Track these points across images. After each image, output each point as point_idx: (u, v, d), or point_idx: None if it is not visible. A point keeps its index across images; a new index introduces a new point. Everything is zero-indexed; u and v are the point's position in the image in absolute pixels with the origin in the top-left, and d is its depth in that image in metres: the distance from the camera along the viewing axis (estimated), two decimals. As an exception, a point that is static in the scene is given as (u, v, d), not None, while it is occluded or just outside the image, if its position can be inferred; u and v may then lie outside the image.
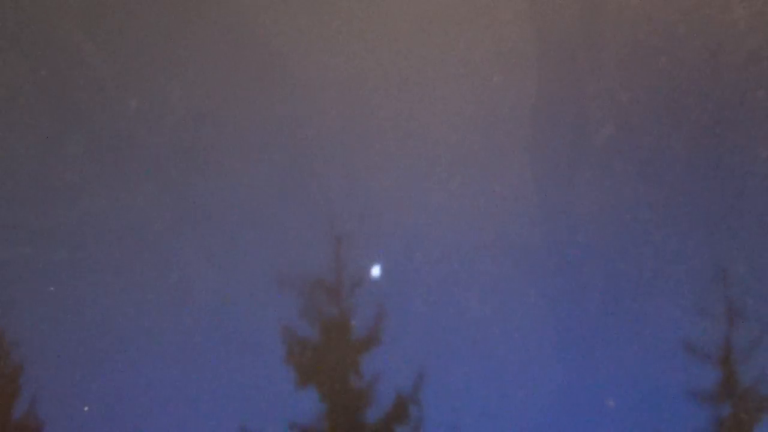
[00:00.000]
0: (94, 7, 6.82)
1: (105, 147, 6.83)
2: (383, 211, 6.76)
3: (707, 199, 6.52)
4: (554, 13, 6.78)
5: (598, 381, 6.62)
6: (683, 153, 6.64)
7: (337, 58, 6.84)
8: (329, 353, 6.41)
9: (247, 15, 6.90)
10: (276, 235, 6.68)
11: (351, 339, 6.42)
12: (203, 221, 6.84)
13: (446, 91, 6.85)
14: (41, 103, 6.81)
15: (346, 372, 6.39)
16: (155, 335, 6.66)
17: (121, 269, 6.71)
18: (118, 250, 6.75)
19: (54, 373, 6.45)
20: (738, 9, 6.43)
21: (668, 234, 6.64)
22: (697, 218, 6.57)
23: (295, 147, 6.87)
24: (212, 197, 6.85)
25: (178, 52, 6.84)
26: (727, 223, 6.42)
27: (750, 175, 6.50)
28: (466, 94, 6.84)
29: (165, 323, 6.68)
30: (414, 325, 6.64)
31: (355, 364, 6.40)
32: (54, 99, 6.81)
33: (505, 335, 6.69)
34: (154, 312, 6.69)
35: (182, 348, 6.69)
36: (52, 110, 6.82)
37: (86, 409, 6.42)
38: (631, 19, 6.64)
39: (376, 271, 6.55)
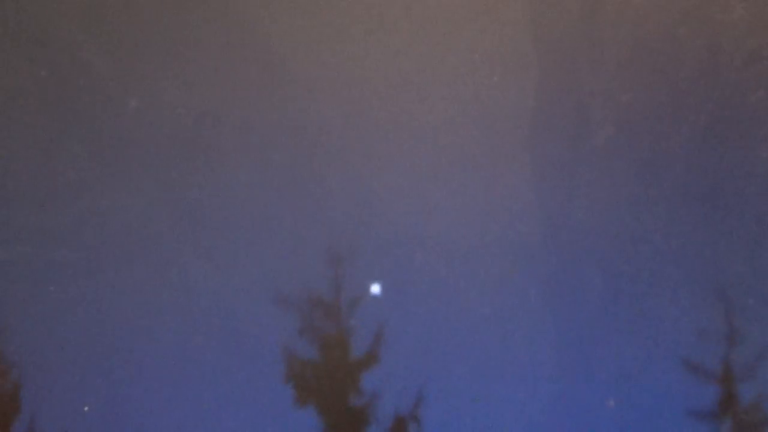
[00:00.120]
0: (94, 7, 6.82)
1: (105, 147, 6.82)
2: (382, 211, 6.76)
3: (707, 199, 6.52)
4: (554, 13, 6.78)
5: (598, 381, 6.62)
6: (683, 153, 6.64)
7: (337, 58, 6.84)
8: (328, 371, 6.41)
9: (247, 15, 6.90)
10: (275, 245, 6.68)
11: (350, 356, 6.42)
12: (203, 221, 6.84)
13: (446, 91, 6.85)
14: (41, 103, 6.80)
15: (345, 390, 6.39)
16: (155, 335, 6.66)
17: (121, 269, 6.70)
18: (118, 250, 6.74)
19: (54, 373, 6.45)
20: (738, 9, 6.43)
21: (668, 234, 6.64)
22: (697, 218, 6.57)
23: (295, 147, 6.87)
24: (212, 197, 6.85)
25: (178, 52, 6.84)
26: (727, 223, 6.42)
27: (750, 175, 6.50)
28: (466, 94, 6.84)
29: (165, 323, 6.68)
30: (412, 327, 6.64)
31: (354, 382, 6.40)
32: (54, 99, 6.81)
33: (505, 335, 6.70)
34: (154, 312, 6.69)
35: (182, 348, 6.69)
36: (52, 110, 6.82)
37: (86, 409, 6.42)
38: (631, 19, 6.64)
39: (375, 288, 6.56)
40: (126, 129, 6.83)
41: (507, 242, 6.83)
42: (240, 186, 6.85)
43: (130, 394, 6.56)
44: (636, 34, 6.65)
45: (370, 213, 6.74)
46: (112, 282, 6.69)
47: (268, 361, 6.58)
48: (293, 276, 6.63)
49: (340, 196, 6.75)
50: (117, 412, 6.51)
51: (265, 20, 6.90)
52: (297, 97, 6.89)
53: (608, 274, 6.75)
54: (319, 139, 6.86)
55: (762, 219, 6.46)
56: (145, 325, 6.66)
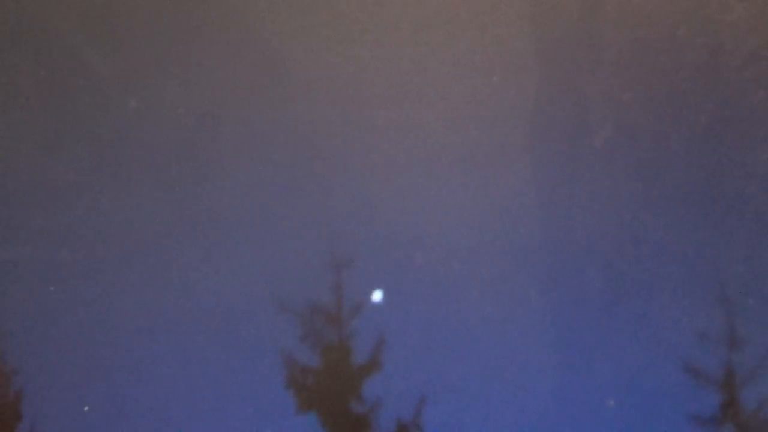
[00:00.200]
0: (94, 7, 6.83)
1: (105, 147, 6.83)
2: (382, 212, 6.76)
3: (707, 199, 6.52)
4: (554, 13, 6.78)
5: (598, 381, 6.62)
6: (683, 153, 6.63)
7: (337, 58, 6.84)
8: (329, 378, 6.41)
9: (247, 15, 6.90)
10: (275, 245, 6.68)
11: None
12: (203, 221, 6.84)
13: (446, 91, 6.85)
14: (41, 103, 6.80)
15: (346, 396, 6.39)
16: (155, 335, 6.66)
17: (121, 269, 6.71)
18: (118, 250, 6.75)
19: (54, 373, 6.45)
20: (738, 9, 6.43)
21: (668, 234, 6.64)
22: (697, 218, 6.57)
23: (295, 147, 6.87)
24: (212, 197, 6.85)
25: (178, 52, 6.85)
26: (727, 223, 6.42)
27: (750, 175, 6.50)
28: (466, 94, 6.84)
29: (165, 323, 6.69)
30: (412, 327, 6.64)
31: (355, 389, 6.40)
32: (54, 99, 6.81)
33: (505, 335, 6.69)
34: (154, 312, 6.69)
35: (182, 349, 6.69)
36: (52, 110, 6.82)
37: (86, 409, 6.42)
38: (631, 19, 6.64)
39: (377, 295, 6.56)
40: (126, 129, 6.83)
41: (507, 242, 6.83)
42: (240, 186, 6.85)
43: (130, 394, 6.56)
44: (636, 34, 6.65)
45: (370, 213, 6.74)
46: (112, 282, 6.69)
47: (268, 363, 6.58)
48: (293, 276, 6.63)
49: (340, 196, 6.75)
50: (117, 412, 6.51)
51: (265, 20, 6.90)
52: (297, 97, 6.89)
53: (608, 274, 6.75)
54: (319, 139, 6.86)
55: (762, 219, 6.46)
56: (145, 325, 6.66)
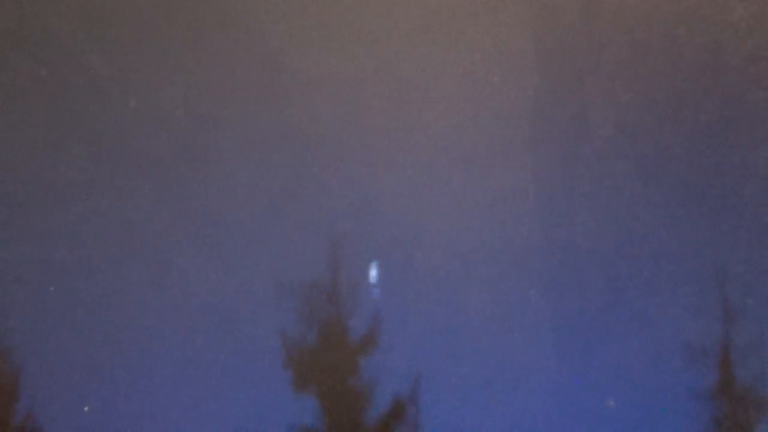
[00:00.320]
0: (94, 7, 6.82)
1: (105, 147, 6.82)
2: (382, 212, 6.76)
3: (707, 199, 6.52)
4: (554, 13, 6.78)
5: (598, 381, 6.62)
6: (683, 153, 6.64)
7: (337, 58, 6.84)
8: (327, 355, 6.41)
9: (247, 15, 6.90)
10: (275, 246, 6.68)
11: (349, 341, 6.42)
12: (203, 221, 6.84)
13: (446, 90, 6.85)
14: (41, 103, 6.80)
15: (344, 374, 6.39)
16: (155, 335, 6.66)
17: (121, 269, 6.71)
18: (118, 250, 6.74)
19: (54, 373, 6.45)
20: (738, 9, 6.43)
21: (668, 234, 6.64)
22: (697, 218, 6.57)
23: (295, 147, 6.87)
24: (212, 197, 6.85)
25: (178, 52, 6.84)
26: (727, 223, 6.42)
27: (750, 175, 6.50)
28: (466, 94, 6.84)
29: (165, 323, 6.68)
30: (412, 327, 6.64)
31: (353, 366, 6.40)
32: (54, 99, 6.81)
33: (505, 335, 6.69)
34: (154, 312, 6.69)
35: (182, 348, 6.69)
36: (52, 110, 6.82)
37: (86, 409, 6.42)
38: (631, 19, 6.64)
39: (374, 272, 6.56)
40: (126, 129, 6.83)
41: (507, 242, 6.83)
42: (240, 186, 6.85)
43: (130, 394, 6.56)
44: (636, 34, 6.65)
45: (370, 213, 6.74)
46: (112, 282, 6.69)
47: (268, 364, 6.58)
48: (293, 278, 6.62)
49: (339, 196, 6.75)
50: (117, 412, 6.51)
51: (265, 20, 6.90)
52: (297, 98, 6.89)
53: (608, 274, 6.75)
54: (319, 139, 6.86)
55: (762, 219, 6.46)
56: (145, 325, 6.66)
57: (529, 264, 6.82)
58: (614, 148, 6.74)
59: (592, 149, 6.78)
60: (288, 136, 6.88)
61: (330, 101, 6.87)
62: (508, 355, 6.65)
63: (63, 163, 6.80)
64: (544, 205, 6.86)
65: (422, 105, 6.86)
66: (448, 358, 6.57)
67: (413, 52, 6.83)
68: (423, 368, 6.55)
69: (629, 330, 6.63)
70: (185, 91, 6.83)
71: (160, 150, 6.84)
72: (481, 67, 6.81)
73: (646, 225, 6.66)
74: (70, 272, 6.70)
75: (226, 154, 6.86)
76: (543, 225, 6.85)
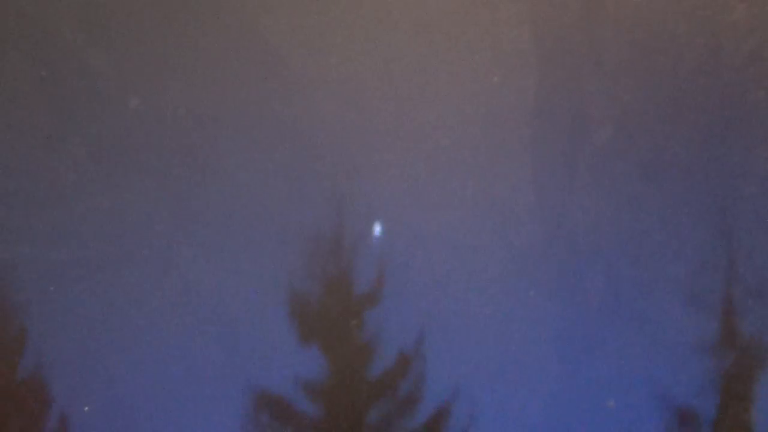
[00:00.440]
0: (94, 7, 6.83)
1: (105, 147, 6.83)
2: (383, 211, 6.76)
3: (707, 199, 6.53)
4: (554, 13, 6.78)
5: (598, 381, 6.63)
6: (683, 153, 6.64)
7: (337, 58, 6.84)
8: (331, 309, 6.43)
9: (247, 15, 6.90)
10: (275, 246, 6.68)
11: (352, 295, 6.44)
12: (203, 221, 6.85)
13: (446, 91, 6.85)
14: (41, 103, 6.81)
15: (348, 328, 6.41)
16: (155, 335, 6.66)
17: (121, 269, 6.71)
18: (118, 250, 6.75)
19: (54, 372, 6.45)
20: (738, 9, 6.43)
21: (668, 234, 6.64)
22: (697, 218, 6.58)
23: (295, 147, 6.88)
24: (212, 197, 6.85)
25: (178, 52, 6.84)
26: (727, 223, 6.42)
27: (750, 175, 6.51)
28: (466, 94, 6.85)
29: (165, 323, 6.69)
30: (414, 337, 6.64)
31: (357, 320, 6.43)
32: (54, 99, 6.81)
33: (505, 335, 6.70)
34: (154, 312, 6.69)
35: (182, 348, 6.70)
36: (52, 110, 6.82)
37: (86, 409, 6.42)
38: (631, 19, 6.64)
39: (377, 229, 6.58)
40: (126, 129, 6.83)
41: (507, 242, 6.83)
42: (240, 186, 6.85)
43: (130, 394, 6.56)
44: (636, 34, 6.65)
45: (370, 212, 6.74)
46: (112, 282, 6.69)
47: (268, 364, 6.58)
48: (292, 280, 6.62)
49: (340, 196, 6.75)
50: (117, 412, 6.51)
51: (265, 20, 6.90)
52: (297, 97, 6.89)
53: (608, 274, 6.76)
54: (319, 139, 6.86)
55: (762, 219, 6.47)
56: (145, 325, 6.67)
57: (529, 264, 6.82)
58: (614, 148, 6.75)
59: (592, 149, 6.79)
60: (288, 136, 6.88)
61: (330, 101, 6.87)
62: (508, 355, 6.65)
63: (63, 163, 6.80)
64: (544, 205, 6.87)
65: (422, 105, 6.87)
66: (447, 359, 6.58)
67: (413, 52, 6.83)
68: (423, 368, 6.55)
69: (629, 330, 6.63)
70: (185, 91, 6.84)
71: (160, 150, 6.85)
72: (481, 67, 6.81)
73: (646, 225, 6.67)
74: (70, 272, 6.70)
75: (226, 153, 6.86)
76: (543, 225, 6.85)
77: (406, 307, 6.57)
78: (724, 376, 6.27)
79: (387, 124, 6.90)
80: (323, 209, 6.65)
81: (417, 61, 6.84)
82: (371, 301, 6.48)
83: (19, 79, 6.77)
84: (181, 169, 6.86)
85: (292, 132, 6.91)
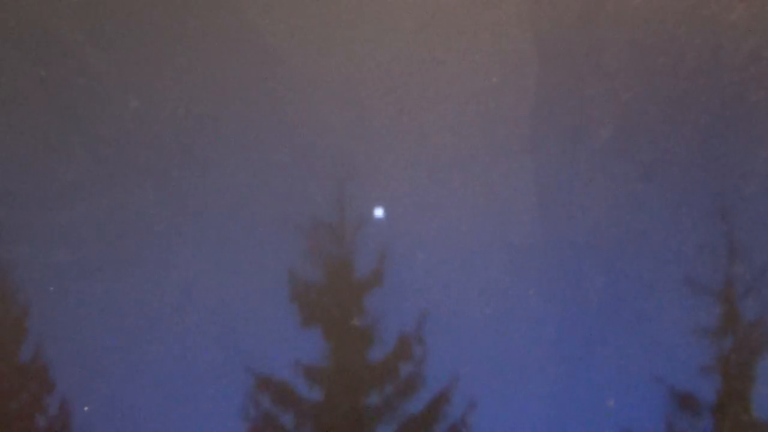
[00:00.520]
0: (94, 7, 6.83)
1: (105, 147, 6.83)
2: (383, 212, 6.77)
3: (707, 199, 6.53)
4: (554, 13, 6.79)
5: (598, 381, 6.63)
6: (683, 153, 6.64)
7: (337, 58, 6.84)
8: (333, 293, 6.44)
9: (247, 15, 6.91)
10: (274, 246, 6.68)
11: (354, 279, 6.45)
12: (203, 221, 6.86)
13: (446, 91, 6.85)
14: (41, 103, 6.81)
15: (349, 311, 6.43)
16: (155, 335, 6.67)
17: (121, 269, 6.71)
18: (118, 250, 6.75)
19: (54, 372, 6.45)
20: (738, 9, 6.43)
21: (668, 234, 6.64)
22: (697, 218, 6.58)
23: (295, 147, 6.88)
24: (212, 197, 6.86)
25: (178, 52, 6.85)
26: (727, 222, 6.42)
27: (750, 175, 6.51)
28: (466, 94, 6.85)
29: (165, 323, 6.70)
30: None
31: (358, 304, 6.44)
32: (54, 99, 6.82)
33: (505, 335, 6.70)
34: (154, 312, 6.70)
35: (182, 348, 6.70)
36: (52, 110, 6.82)
37: (86, 409, 6.43)
38: (631, 20, 6.64)
39: (379, 212, 6.60)
40: (126, 129, 6.83)
41: (507, 242, 6.83)
42: (240, 185, 6.85)
43: (130, 394, 6.56)
44: (636, 34, 6.65)
45: (370, 212, 6.74)
46: (112, 282, 6.70)
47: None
48: (292, 272, 6.62)
49: (340, 196, 6.74)
50: (117, 412, 6.51)
51: (265, 20, 6.90)
52: (297, 97, 6.89)
53: (608, 274, 6.76)
54: (319, 139, 6.86)
55: (762, 219, 6.47)
56: (145, 325, 6.67)
57: (529, 264, 6.83)
58: (614, 148, 6.75)
59: (592, 149, 6.79)
60: (288, 136, 6.88)
61: (330, 101, 6.87)
62: (508, 355, 6.66)
63: (63, 163, 6.81)
64: (544, 205, 6.87)
65: (422, 105, 6.87)
66: (447, 359, 6.57)
67: (413, 53, 6.83)
68: (423, 369, 6.55)
69: (629, 330, 6.64)
70: (185, 91, 6.84)
71: (160, 150, 6.85)
72: (481, 67, 6.81)
73: (646, 225, 6.67)
74: (70, 272, 6.70)
75: (226, 153, 6.86)
76: (543, 225, 6.86)
77: (406, 307, 6.58)
78: (723, 375, 6.27)
79: (387, 124, 6.91)
80: (323, 208, 6.65)
81: (417, 60, 6.85)
82: (370, 305, 6.49)
83: (19, 79, 6.78)
84: (181, 169, 6.86)
85: (292, 132, 6.91)
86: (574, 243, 6.83)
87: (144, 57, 6.84)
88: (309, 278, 6.44)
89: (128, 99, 6.82)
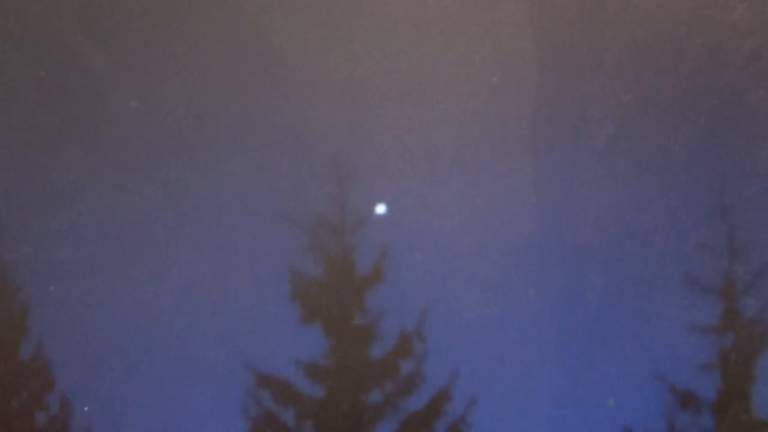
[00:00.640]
0: (94, 7, 6.83)
1: (105, 147, 6.83)
2: (383, 212, 6.77)
3: (707, 199, 6.53)
4: (554, 13, 6.79)
5: (598, 381, 6.63)
6: (683, 153, 6.65)
7: (337, 58, 6.84)
8: (333, 291, 6.44)
9: (247, 16, 6.91)
10: (275, 246, 6.67)
11: (355, 277, 6.45)
12: (203, 221, 6.85)
13: (446, 91, 6.86)
14: (41, 103, 6.81)
15: (350, 309, 6.43)
16: (155, 335, 6.67)
17: (121, 269, 6.71)
18: (118, 250, 6.75)
19: (54, 372, 6.45)
20: (738, 9, 6.44)
21: (668, 234, 6.65)
22: (697, 218, 6.58)
23: (295, 147, 6.88)
24: (212, 197, 6.86)
25: (177, 52, 6.85)
26: (727, 222, 6.42)
27: (750, 175, 6.52)
28: (466, 95, 6.85)
29: (165, 323, 6.69)
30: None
31: (359, 302, 6.44)
32: (54, 99, 6.82)
33: (505, 335, 6.70)
34: (154, 312, 6.70)
35: (182, 348, 6.70)
36: (52, 110, 6.82)
37: (86, 409, 6.42)
38: (631, 20, 6.65)
39: (380, 209, 6.60)
40: (126, 129, 6.83)
41: (507, 242, 6.84)
42: (240, 186, 6.86)
43: (130, 394, 6.56)
44: (636, 34, 6.66)
45: (370, 212, 6.74)
46: (112, 282, 6.69)
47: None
48: (292, 278, 6.62)
49: (340, 195, 6.74)
50: (117, 412, 6.51)
51: (265, 21, 6.91)
52: (297, 97, 6.90)
53: (608, 274, 6.76)
54: (319, 139, 6.86)
55: (762, 219, 6.47)
56: (145, 324, 6.67)
57: (529, 264, 6.83)
58: (614, 148, 6.76)
59: (592, 149, 6.79)
60: (288, 136, 6.89)
61: (330, 101, 6.88)
62: (508, 355, 6.66)
63: (63, 163, 6.81)
64: (544, 205, 6.88)
65: (422, 105, 6.87)
66: (447, 359, 6.57)
67: (413, 53, 6.84)
68: (424, 369, 6.55)
69: (629, 330, 6.64)
70: (185, 91, 6.84)
71: (160, 150, 6.86)
72: (481, 67, 6.82)
73: (646, 225, 6.68)
74: (70, 272, 6.70)
75: (226, 153, 6.87)
76: (543, 225, 6.87)
77: (407, 305, 6.58)
78: (724, 374, 6.27)
79: (387, 124, 6.91)
80: (323, 207, 6.64)
81: (417, 61, 6.85)
82: (370, 303, 6.50)
83: (19, 79, 6.78)
84: (181, 169, 6.86)
85: (292, 132, 6.91)
86: (574, 243, 6.83)
87: (144, 57, 6.84)
88: (310, 276, 6.44)
89: (128, 99, 6.83)
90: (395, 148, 6.87)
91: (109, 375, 6.57)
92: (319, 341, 6.40)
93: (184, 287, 6.78)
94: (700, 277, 6.32)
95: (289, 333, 6.45)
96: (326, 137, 6.87)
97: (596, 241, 6.80)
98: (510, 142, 6.86)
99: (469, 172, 6.87)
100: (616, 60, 6.73)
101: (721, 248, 6.33)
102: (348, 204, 6.50)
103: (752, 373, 6.20)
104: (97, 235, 6.79)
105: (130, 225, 6.81)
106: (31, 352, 6.37)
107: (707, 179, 6.60)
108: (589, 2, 6.72)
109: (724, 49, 6.53)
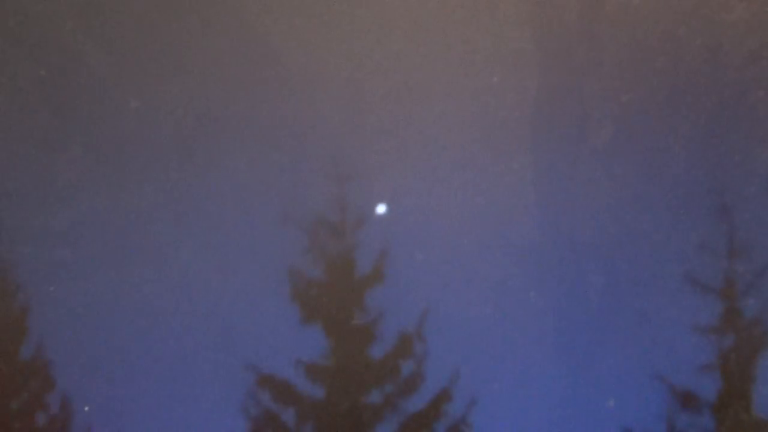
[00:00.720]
0: (94, 7, 6.83)
1: (105, 147, 6.83)
2: (383, 211, 6.77)
3: (707, 199, 6.53)
4: (554, 13, 6.79)
5: (598, 381, 6.63)
6: (683, 153, 6.65)
7: (337, 58, 6.84)
8: (333, 291, 6.44)
9: (247, 15, 6.91)
10: (274, 247, 6.67)
11: (355, 277, 6.45)
12: (203, 221, 6.85)
13: (446, 91, 6.85)
14: (41, 103, 6.81)
15: (350, 309, 6.43)
16: (155, 335, 6.67)
17: (121, 269, 6.71)
18: (118, 250, 6.75)
19: (54, 372, 6.45)
20: (738, 9, 6.44)
21: (668, 234, 6.64)
22: (697, 218, 6.58)
23: (295, 147, 6.88)
24: (212, 197, 6.86)
25: (178, 52, 6.85)
26: (727, 222, 6.42)
27: (750, 175, 6.52)
28: (466, 94, 6.85)
29: (165, 323, 6.69)
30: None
31: (359, 302, 6.44)
32: (54, 99, 6.81)
33: (505, 335, 6.70)
34: (153, 312, 6.70)
35: (181, 348, 6.70)
36: (52, 110, 6.82)
37: (86, 409, 6.42)
38: (631, 19, 6.64)
39: (381, 209, 6.61)
40: (126, 129, 6.83)
41: (507, 242, 6.84)
42: (240, 186, 6.85)
43: (130, 394, 6.56)
44: (636, 34, 6.65)
45: (370, 212, 6.74)
46: (112, 282, 6.69)
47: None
48: (292, 279, 6.62)
49: (340, 195, 6.74)
50: (117, 412, 6.51)
51: (265, 20, 6.90)
52: (296, 97, 6.89)
53: (608, 273, 6.76)
54: (319, 139, 6.86)
55: (762, 219, 6.47)
56: (145, 324, 6.67)
57: (529, 264, 6.83)
58: (614, 148, 6.76)
59: (592, 149, 6.79)
60: (288, 136, 6.89)
61: (330, 101, 6.87)
62: (509, 355, 6.66)
63: (63, 163, 6.81)
64: (544, 205, 6.88)
65: (422, 105, 6.87)
66: (447, 359, 6.58)
67: (413, 53, 6.83)
68: (424, 369, 6.55)
69: (629, 330, 6.64)
70: (185, 91, 6.84)
71: (160, 150, 6.85)
72: (481, 67, 6.82)
73: (646, 225, 6.67)
74: (70, 272, 6.70)
75: (226, 153, 6.86)
76: (543, 225, 6.87)
77: (407, 305, 6.58)
78: (724, 374, 6.27)
79: (387, 124, 6.91)
80: (323, 207, 6.64)
81: (417, 61, 6.85)
82: (370, 303, 6.50)
83: (19, 79, 6.78)
84: (181, 169, 6.86)
85: (292, 132, 6.91)
86: (574, 243, 6.83)
87: (144, 57, 6.84)
88: (310, 276, 6.44)
89: (128, 99, 6.83)
90: (395, 148, 6.87)
91: (109, 375, 6.58)
92: (319, 341, 6.40)
93: (184, 287, 6.78)
94: (700, 277, 6.32)
95: (289, 333, 6.45)
96: (326, 137, 6.86)
97: (596, 240, 6.80)
98: (510, 142, 6.86)
99: (469, 172, 6.86)
100: (616, 60, 6.73)
101: (721, 248, 6.34)
102: (348, 204, 6.51)
103: (752, 373, 6.21)
104: (97, 235, 6.79)
105: (130, 225, 6.81)
106: (31, 352, 6.39)
107: (707, 179, 6.60)
108: (589, 2, 6.71)
109: (724, 49, 6.53)
